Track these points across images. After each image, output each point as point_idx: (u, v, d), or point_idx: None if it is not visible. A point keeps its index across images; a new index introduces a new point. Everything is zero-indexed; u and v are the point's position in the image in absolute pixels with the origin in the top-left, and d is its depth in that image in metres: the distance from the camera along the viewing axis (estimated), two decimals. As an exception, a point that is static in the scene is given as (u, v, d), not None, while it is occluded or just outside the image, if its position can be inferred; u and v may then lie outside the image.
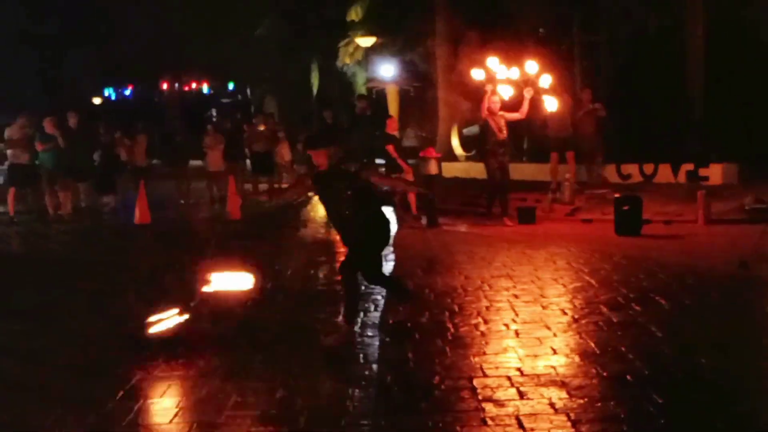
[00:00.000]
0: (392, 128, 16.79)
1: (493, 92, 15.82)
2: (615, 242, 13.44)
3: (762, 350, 7.43)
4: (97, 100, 49.54)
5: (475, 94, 27.84)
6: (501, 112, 15.85)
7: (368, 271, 8.28)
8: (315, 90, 39.18)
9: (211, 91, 51.67)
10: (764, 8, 22.97)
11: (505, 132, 15.81)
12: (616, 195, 14.96)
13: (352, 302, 8.22)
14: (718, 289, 9.72)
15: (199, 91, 51.58)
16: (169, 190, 23.31)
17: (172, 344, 7.78)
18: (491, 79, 16.05)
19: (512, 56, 26.68)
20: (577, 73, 27.30)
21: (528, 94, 15.85)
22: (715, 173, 18.99)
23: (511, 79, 16.04)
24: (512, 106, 16.16)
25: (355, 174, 8.02)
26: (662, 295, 9.30)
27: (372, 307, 9.18)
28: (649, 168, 20.25)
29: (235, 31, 36.56)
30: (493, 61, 16.25)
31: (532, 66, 16.05)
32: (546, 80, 16.02)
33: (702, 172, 19.08)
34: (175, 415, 6.25)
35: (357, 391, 6.61)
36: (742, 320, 8.38)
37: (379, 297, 9.53)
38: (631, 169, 20.19)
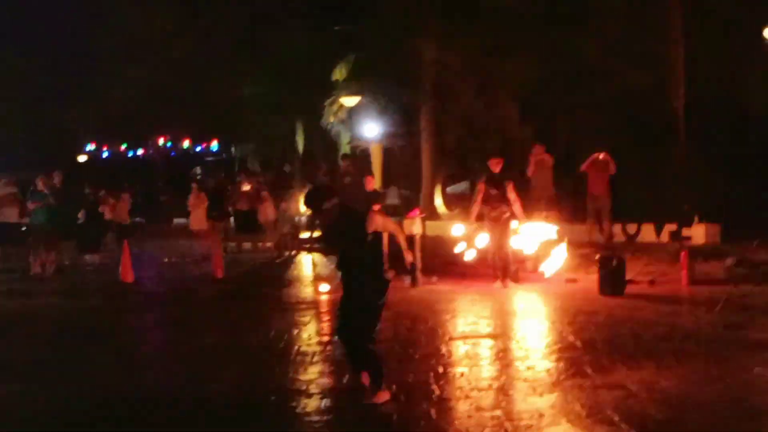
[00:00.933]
0: (370, 186, 16.73)
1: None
2: (599, 302, 13.41)
3: (749, 412, 7.38)
4: (82, 158, 49.50)
5: (458, 152, 28.11)
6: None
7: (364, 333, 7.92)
8: (300, 149, 39.27)
9: (196, 150, 51.69)
10: (744, 71, 23.31)
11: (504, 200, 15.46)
12: (600, 255, 14.96)
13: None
14: (704, 351, 9.68)
15: (184, 149, 51.62)
16: (153, 249, 23.22)
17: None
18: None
19: (496, 114, 26.99)
20: (559, 133, 27.51)
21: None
22: (698, 233, 19.06)
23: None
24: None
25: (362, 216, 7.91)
26: (647, 357, 9.26)
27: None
28: (632, 228, 20.31)
29: (221, 90, 36.69)
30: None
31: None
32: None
33: (685, 232, 19.13)
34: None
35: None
36: (728, 382, 8.33)
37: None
38: (614, 228, 20.23)
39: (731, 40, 23.10)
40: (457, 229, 16.43)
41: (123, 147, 51.09)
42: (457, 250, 15.93)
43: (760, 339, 10.09)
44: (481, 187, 15.64)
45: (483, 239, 15.61)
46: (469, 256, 15.83)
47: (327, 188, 8.76)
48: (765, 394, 7.94)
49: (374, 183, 16.25)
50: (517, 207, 15.36)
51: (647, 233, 19.97)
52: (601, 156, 19.52)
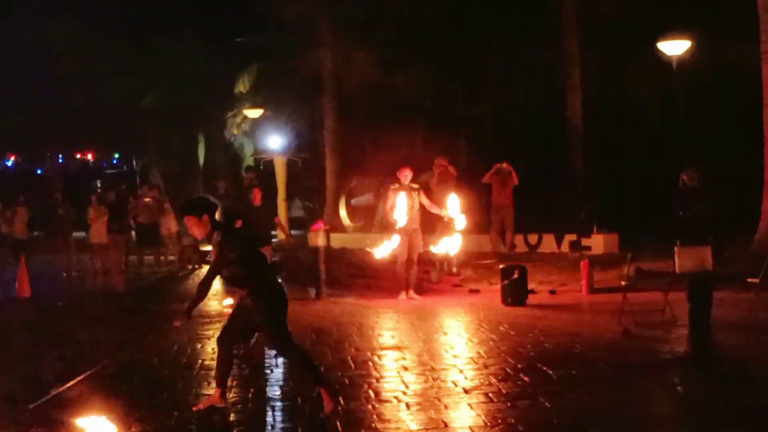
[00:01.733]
0: (257, 200, 16.50)
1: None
2: (502, 312, 13.53)
3: (652, 420, 7.49)
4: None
5: (361, 164, 28.16)
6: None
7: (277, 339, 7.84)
8: (201, 161, 38.89)
9: (96, 162, 50.80)
10: (637, 86, 23.91)
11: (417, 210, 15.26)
12: (502, 265, 15.10)
13: (225, 371, 7.98)
14: (604, 357, 9.81)
15: (84, 161, 50.66)
16: (51, 263, 22.65)
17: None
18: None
19: (399, 126, 27.13)
20: (461, 145, 27.80)
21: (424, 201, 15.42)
22: (597, 243, 19.42)
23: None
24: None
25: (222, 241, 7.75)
26: (549, 365, 9.36)
27: (261, 382, 8.98)
28: (533, 238, 20.60)
29: (121, 102, 36.12)
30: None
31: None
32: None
33: (584, 242, 19.49)
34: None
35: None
36: (629, 388, 8.46)
37: (268, 371, 9.33)
38: (516, 239, 20.46)
39: (625, 54, 23.69)
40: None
41: (16, 158, 49.94)
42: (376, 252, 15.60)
43: (660, 347, 10.27)
44: (389, 194, 15.54)
45: (386, 248, 15.45)
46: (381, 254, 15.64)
47: (198, 201, 8.23)
48: (667, 402, 8.08)
49: (260, 196, 16.05)
50: (434, 208, 15.33)
51: (548, 243, 20.28)
52: (504, 165, 19.72)
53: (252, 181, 24.24)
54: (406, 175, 15.23)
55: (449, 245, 14.96)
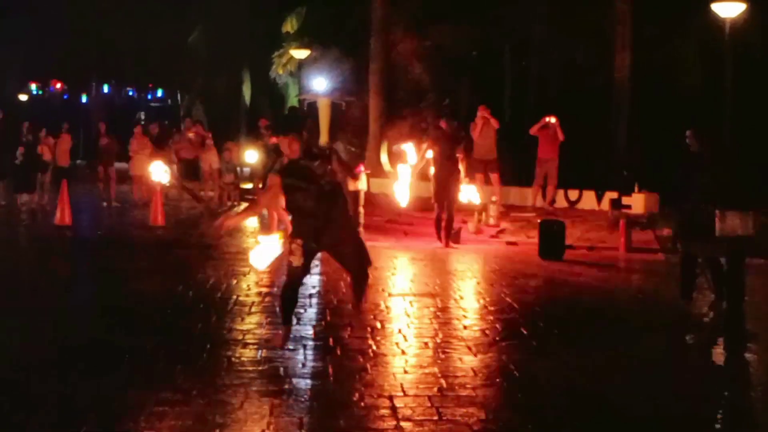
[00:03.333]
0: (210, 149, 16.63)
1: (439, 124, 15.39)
2: (538, 265, 13.51)
3: (678, 387, 7.46)
4: (23, 97, 48.55)
5: (406, 110, 28.06)
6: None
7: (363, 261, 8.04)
8: (248, 100, 38.92)
9: (140, 95, 51.04)
10: (685, 48, 23.56)
11: (455, 158, 15.11)
12: (541, 219, 15.04)
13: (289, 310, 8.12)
14: (635, 317, 9.79)
15: (128, 93, 50.93)
16: (92, 192, 22.90)
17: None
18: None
19: (445, 78, 26.98)
20: (506, 100, 27.62)
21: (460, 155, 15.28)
22: (637, 202, 19.23)
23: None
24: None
25: (329, 155, 7.78)
26: (580, 321, 9.38)
27: (294, 320, 9.06)
28: (573, 194, 20.48)
29: (168, 36, 36.18)
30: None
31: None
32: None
33: (625, 200, 19.30)
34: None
35: (275, 405, 6.49)
36: (656, 350, 8.45)
37: (301, 310, 9.41)
38: (556, 194, 20.34)
39: (677, 15, 23.31)
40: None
41: (65, 87, 50.28)
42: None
43: (692, 310, 10.22)
44: (428, 144, 15.49)
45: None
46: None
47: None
48: (693, 366, 8.06)
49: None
50: (462, 166, 15.30)
51: (588, 200, 20.15)
52: (552, 120, 19.49)
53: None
54: (446, 125, 15.24)
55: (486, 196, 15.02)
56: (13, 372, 7.28)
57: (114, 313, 9.70)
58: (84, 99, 49.50)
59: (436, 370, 7.43)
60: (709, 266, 10.01)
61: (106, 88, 48.49)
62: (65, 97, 51.01)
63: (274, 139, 16.55)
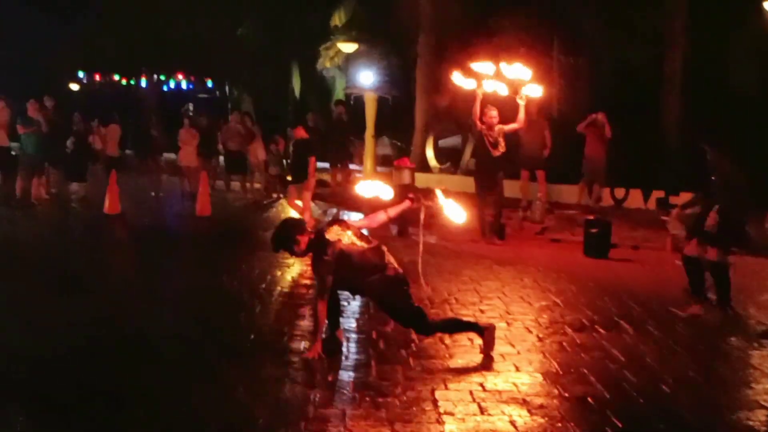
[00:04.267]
0: (300, 135, 16.51)
1: (489, 106, 15.15)
2: (583, 264, 13.45)
3: (721, 383, 7.44)
4: (74, 87, 49.10)
5: (455, 105, 28.02)
6: (498, 126, 14.97)
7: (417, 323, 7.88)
8: (297, 93, 39.05)
9: (190, 86, 51.38)
10: (739, 50, 23.29)
11: (501, 147, 14.97)
12: (587, 217, 14.97)
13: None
14: (683, 319, 9.72)
15: (178, 84, 51.30)
16: (141, 182, 23.15)
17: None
18: (479, 84, 15.19)
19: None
20: (555, 95, 27.45)
21: (521, 101, 14.78)
22: (684, 201, 19.07)
23: (503, 79, 15.08)
24: (504, 115, 15.54)
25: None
26: (627, 321, 9.31)
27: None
28: (620, 192, 20.35)
29: (217, 28, 36.43)
30: (481, 66, 15.22)
31: (523, 71, 15.06)
32: (535, 90, 15.30)
33: (672, 200, 19.15)
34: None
35: (318, 397, 6.55)
36: (703, 352, 8.40)
37: (345, 303, 9.46)
38: (602, 192, 20.23)
39: (731, 16, 23.03)
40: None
41: (116, 78, 50.73)
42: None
43: (739, 313, 10.12)
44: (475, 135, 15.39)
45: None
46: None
47: (296, 225, 8.01)
48: (738, 366, 7.99)
49: (303, 132, 16.15)
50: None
51: (635, 199, 20.03)
52: (599, 117, 19.29)
53: (341, 115, 24.38)
54: (492, 116, 15.01)
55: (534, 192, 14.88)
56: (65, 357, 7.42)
57: (163, 302, 9.84)
58: (134, 89, 49.92)
59: (477, 366, 7.44)
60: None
61: (156, 79, 48.86)
62: (121, 86, 51.50)
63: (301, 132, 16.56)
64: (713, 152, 9.64)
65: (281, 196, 22.26)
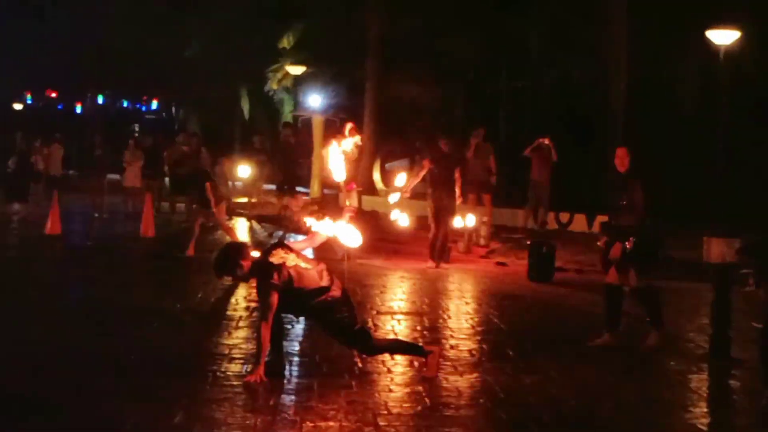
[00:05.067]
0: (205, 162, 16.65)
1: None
2: (527, 287, 13.55)
3: (661, 405, 7.53)
4: (17, 106, 48.57)
5: (399, 129, 28.17)
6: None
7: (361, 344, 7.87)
8: (246, 114, 38.91)
9: (135, 107, 51.09)
10: (680, 68, 23.70)
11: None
12: (531, 241, 15.09)
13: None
14: (624, 342, 9.81)
15: (122, 105, 50.97)
16: (83, 203, 22.90)
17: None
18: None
19: (440, 95, 27.10)
20: (501, 118, 27.73)
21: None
22: (629, 226, 19.28)
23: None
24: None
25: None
26: (569, 344, 9.39)
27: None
28: (565, 216, 20.54)
29: (165, 49, 36.27)
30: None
31: None
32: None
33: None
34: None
35: (259, 421, 6.51)
36: (643, 375, 8.51)
37: (288, 326, 9.43)
38: (548, 216, 20.39)
39: (671, 39, 23.45)
40: (392, 197, 16.12)
41: (60, 98, 50.26)
42: (392, 217, 15.61)
43: (674, 334, 10.25)
44: (426, 164, 15.49)
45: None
46: (403, 222, 15.57)
47: (238, 249, 7.98)
48: (677, 389, 8.09)
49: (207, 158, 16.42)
50: (457, 187, 15.36)
51: (579, 223, 20.20)
52: (546, 141, 19.48)
53: (288, 137, 24.32)
54: (446, 146, 15.23)
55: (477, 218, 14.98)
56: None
57: (100, 321, 9.73)
58: (79, 109, 49.52)
59: (420, 389, 7.46)
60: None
61: (101, 99, 48.45)
62: (59, 106, 51.00)
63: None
64: (625, 176, 9.62)
65: (227, 218, 22.15)
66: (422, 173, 15.49)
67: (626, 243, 9.11)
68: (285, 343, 8.37)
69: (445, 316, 10.85)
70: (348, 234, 7.95)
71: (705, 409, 7.53)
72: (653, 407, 7.43)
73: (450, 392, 7.42)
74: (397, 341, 8.58)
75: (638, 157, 9.53)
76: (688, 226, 16.97)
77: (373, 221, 19.97)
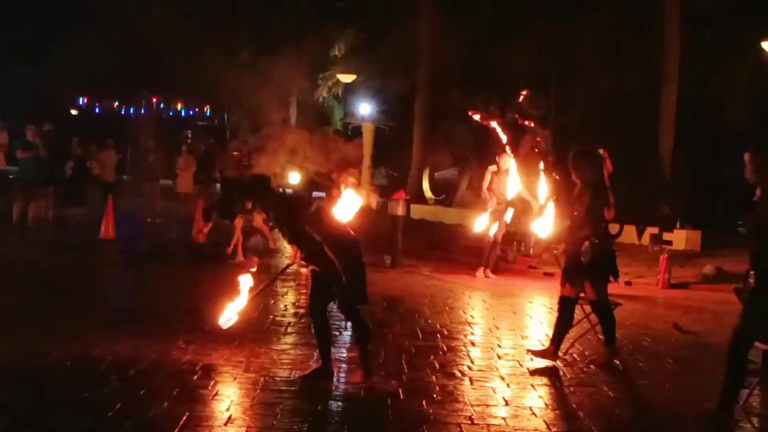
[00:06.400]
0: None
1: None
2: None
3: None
4: (73, 111, 49.28)
5: (449, 138, 28.12)
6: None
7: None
8: (293, 122, 39.11)
9: (188, 113, 51.56)
10: (733, 85, 23.42)
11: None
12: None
13: (327, 344, 7.98)
14: (672, 353, 9.73)
15: (177, 111, 51.47)
16: (137, 207, 23.16)
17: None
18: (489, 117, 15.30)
19: (491, 103, 27.01)
20: (551, 127, 27.54)
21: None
22: (678, 239, 19.14)
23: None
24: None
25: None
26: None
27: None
28: (614, 228, 20.33)
29: (217, 56, 36.58)
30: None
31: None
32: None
33: (666, 236, 19.21)
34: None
35: (306, 427, 6.53)
36: (693, 387, 8.40)
37: (336, 332, 9.46)
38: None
39: (726, 51, 23.20)
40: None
41: (115, 104, 50.87)
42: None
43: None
44: (488, 175, 15.37)
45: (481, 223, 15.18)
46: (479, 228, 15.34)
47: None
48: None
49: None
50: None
51: (629, 234, 20.02)
52: (601, 152, 19.21)
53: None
54: (505, 159, 15.03)
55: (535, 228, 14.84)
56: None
57: (153, 324, 9.82)
58: (133, 114, 50.09)
59: (468, 399, 7.44)
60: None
61: (155, 104, 49.02)
62: (122, 111, 51.68)
63: None
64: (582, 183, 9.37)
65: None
66: (484, 182, 15.34)
67: (581, 257, 8.88)
68: (333, 350, 8.39)
69: (494, 326, 10.80)
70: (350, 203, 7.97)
71: (758, 425, 7.40)
72: (705, 422, 7.33)
73: (497, 402, 7.39)
74: (365, 326, 8.08)
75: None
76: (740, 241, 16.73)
77: (421, 230, 19.96)
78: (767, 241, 6.94)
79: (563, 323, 9.00)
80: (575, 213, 9.09)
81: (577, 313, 9.20)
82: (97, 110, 50.53)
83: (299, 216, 7.64)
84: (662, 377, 8.63)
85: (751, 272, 6.99)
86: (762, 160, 7.13)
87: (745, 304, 7.12)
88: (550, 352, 8.94)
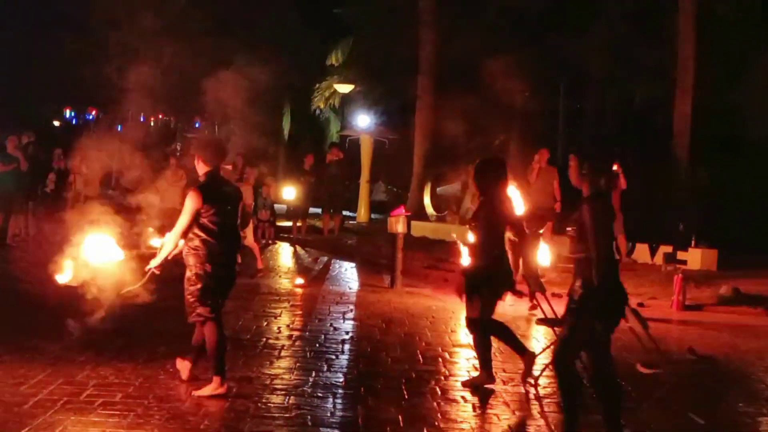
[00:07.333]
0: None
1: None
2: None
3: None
4: (56, 123, 49.43)
5: (452, 152, 28.15)
6: None
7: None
8: (286, 133, 39.23)
9: (177, 125, 51.65)
10: (748, 95, 23.47)
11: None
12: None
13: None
14: (689, 379, 9.74)
15: (165, 123, 51.60)
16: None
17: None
18: None
19: (495, 115, 27.09)
20: (559, 141, 27.64)
21: None
22: (693, 258, 19.07)
23: None
24: None
25: None
26: (628, 380, 9.33)
27: (325, 367, 9.16)
28: (623, 244, 20.36)
29: (207, 65, 36.65)
30: None
31: None
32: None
33: (680, 255, 19.16)
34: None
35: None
36: (709, 415, 8.42)
37: (333, 357, 9.48)
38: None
39: (742, 62, 23.27)
40: None
41: (97, 113, 51.06)
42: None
43: (744, 372, 10.15)
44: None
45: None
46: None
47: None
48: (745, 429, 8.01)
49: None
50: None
51: (641, 253, 20.01)
52: (614, 167, 19.18)
53: (333, 158, 24.52)
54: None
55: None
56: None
57: (140, 346, 9.82)
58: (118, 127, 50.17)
59: (471, 426, 7.46)
60: None
61: (141, 117, 49.19)
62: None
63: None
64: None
65: (270, 242, 22.36)
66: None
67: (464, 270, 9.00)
68: (328, 374, 8.42)
69: (499, 350, 10.80)
70: None
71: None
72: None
73: (501, 429, 7.41)
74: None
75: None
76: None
77: (422, 248, 19.97)
78: None
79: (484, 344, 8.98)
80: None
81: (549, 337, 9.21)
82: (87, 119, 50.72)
83: None
84: (677, 404, 8.64)
85: None
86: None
87: None
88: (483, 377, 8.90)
